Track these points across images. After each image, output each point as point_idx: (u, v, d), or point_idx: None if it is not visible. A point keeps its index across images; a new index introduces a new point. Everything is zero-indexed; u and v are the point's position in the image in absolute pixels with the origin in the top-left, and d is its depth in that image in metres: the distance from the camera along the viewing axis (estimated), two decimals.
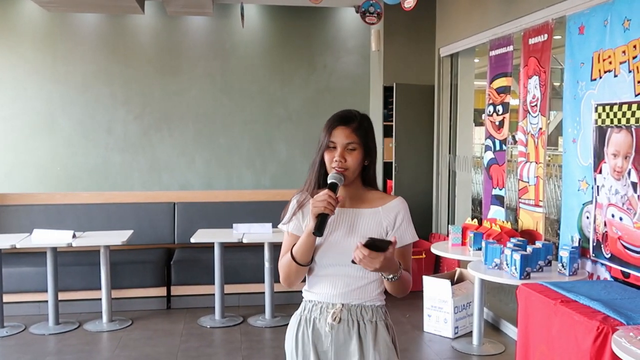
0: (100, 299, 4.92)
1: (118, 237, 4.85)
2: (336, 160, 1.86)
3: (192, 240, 4.92)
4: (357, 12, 5.74)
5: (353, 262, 1.75)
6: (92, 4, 6.59)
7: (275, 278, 5.05)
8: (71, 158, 7.51)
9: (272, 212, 5.78)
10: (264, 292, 5.02)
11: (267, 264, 4.95)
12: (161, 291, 5.35)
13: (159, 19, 7.60)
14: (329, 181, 1.86)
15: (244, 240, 4.82)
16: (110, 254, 4.90)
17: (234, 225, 5.04)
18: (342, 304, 1.91)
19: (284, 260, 1.94)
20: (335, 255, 1.89)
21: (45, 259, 4.79)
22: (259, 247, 5.12)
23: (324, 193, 1.78)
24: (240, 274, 5.37)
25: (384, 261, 1.72)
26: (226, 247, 5.08)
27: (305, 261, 1.89)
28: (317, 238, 1.84)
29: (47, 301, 4.85)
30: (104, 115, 7.56)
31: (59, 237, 4.73)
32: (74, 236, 4.77)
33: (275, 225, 5.13)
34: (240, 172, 7.87)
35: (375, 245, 1.72)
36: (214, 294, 5.02)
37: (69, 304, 5.14)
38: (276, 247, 5.06)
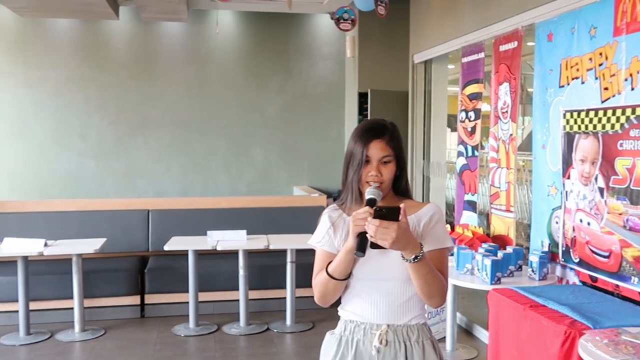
0: (73, 308, 4.85)
1: (90, 245, 4.79)
2: (372, 175, 1.79)
3: (166, 247, 4.88)
4: (331, 18, 5.76)
5: (372, 245, 1.65)
6: (65, 10, 6.53)
7: (250, 285, 5.05)
8: (44, 165, 7.43)
9: (248, 219, 5.82)
10: (238, 300, 5.00)
11: (241, 271, 4.93)
12: (135, 299, 5.30)
13: (133, 25, 7.56)
14: (367, 197, 1.75)
15: (218, 248, 4.79)
16: (83, 263, 4.84)
17: (208, 232, 5.02)
18: (388, 325, 1.83)
19: (319, 278, 1.84)
20: (372, 268, 1.80)
21: (16, 268, 4.72)
22: (233, 254, 5.09)
23: (364, 210, 1.67)
24: (214, 281, 5.34)
25: (399, 231, 1.62)
26: (201, 254, 5.05)
27: (343, 276, 1.81)
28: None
29: (17, 311, 4.77)
30: (77, 122, 7.50)
31: (30, 246, 4.65)
32: (45, 245, 4.71)
33: (250, 232, 5.12)
34: (216, 179, 7.84)
35: (385, 215, 1.63)
36: (188, 302, 4.98)
37: (40, 314, 5.06)
38: (250, 254, 5.06)
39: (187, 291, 4.98)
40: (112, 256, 5.53)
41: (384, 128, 1.84)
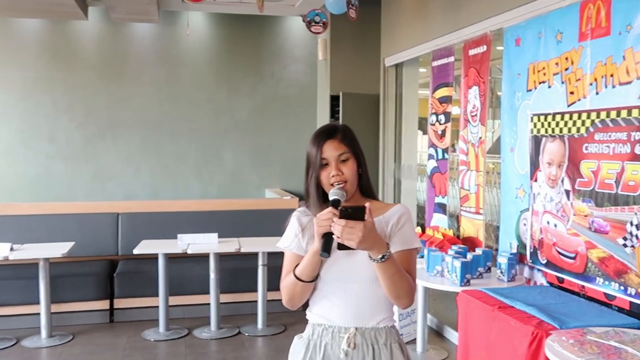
0: (39, 314, 4.76)
1: (58, 249, 4.71)
2: (333, 176, 1.81)
3: (136, 251, 4.82)
4: (303, 21, 5.77)
5: (339, 246, 1.65)
6: (33, 9, 6.42)
7: (222, 289, 5.01)
8: (10, 167, 7.28)
9: (219, 222, 5.78)
10: (209, 304, 4.96)
11: (212, 275, 4.90)
12: (104, 304, 5.22)
13: (103, 25, 7.47)
14: (331, 198, 1.77)
15: (189, 251, 4.75)
16: (50, 267, 4.75)
17: (179, 235, 4.97)
18: (356, 328, 1.83)
19: (287, 281, 1.84)
20: (340, 270, 1.81)
21: None
22: (204, 257, 5.06)
23: (328, 211, 1.68)
24: (185, 285, 5.29)
25: (365, 231, 1.61)
26: (171, 258, 5.00)
27: (310, 278, 1.81)
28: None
29: None
30: (45, 123, 7.37)
31: None
32: (11, 249, 4.61)
33: (221, 235, 5.09)
34: (186, 182, 7.78)
35: (351, 215, 1.63)
36: (158, 306, 4.93)
37: (6, 320, 4.96)
38: (222, 257, 5.03)
39: (157, 295, 4.92)
40: (80, 260, 5.44)
41: (335, 129, 1.89)
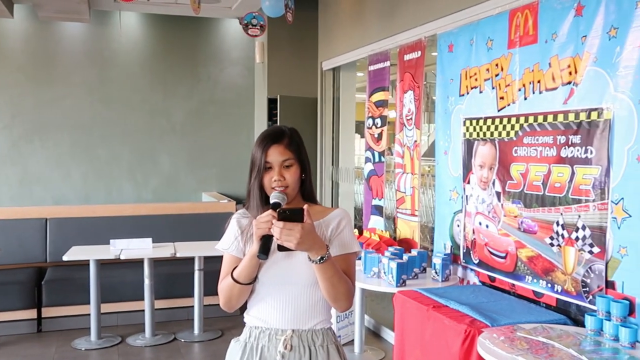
0: None
1: None
2: (275, 180, 1.81)
3: (65, 258, 4.65)
4: (240, 24, 5.73)
5: (279, 247, 1.66)
6: None
7: (157, 295, 4.90)
8: None
9: (154, 227, 5.65)
10: (143, 310, 4.84)
11: (147, 281, 4.78)
12: (31, 313, 5.00)
13: (30, 24, 7.18)
14: (271, 201, 1.78)
15: (122, 257, 4.62)
16: None
17: (111, 241, 4.83)
18: (293, 330, 1.84)
19: (225, 283, 1.83)
20: (278, 272, 1.81)
21: None
22: (138, 263, 4.93)
23: (267, 214, 1.69)
24: (118, 291, 5.14)
25: (303, 232, 1.63)
26: (103, 264, 4.85)
27: (248, 280, 1.80)
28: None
29: None
30: None
31: None
32: None
33: (156, 240, 4.98)
34: (120, 186, 7.58)
35: (289, 217, 1.66)
36: (89, 314, 4.76)
37: None
38: (157, 263, 4.92)
39: (88, 303, 4.76)
40: (5, 268, 5.21)
41: (282, 133, 1.88)
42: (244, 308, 1.92)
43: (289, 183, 1.82)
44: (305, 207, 1.68)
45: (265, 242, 1.69)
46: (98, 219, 5.72)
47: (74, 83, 7.36)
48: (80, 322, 5.01)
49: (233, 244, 1.87)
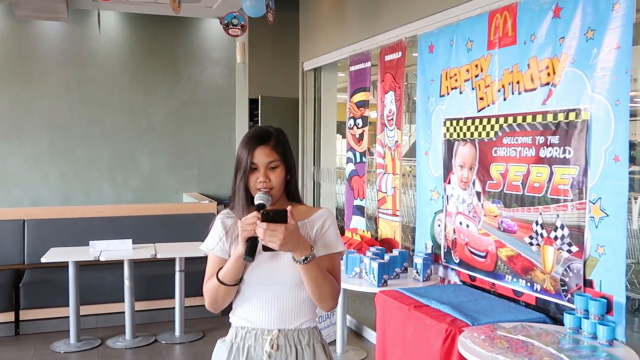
0: None
1: None
2: (261, 182, 1.80)
3: (43, 260, 4.59)
4: (220, 23, 5.70)
5: (264, 247, 1.67)
6: None
7: (137, 296, 4.86)
8: None
9: (134, 228, 5.61)
10: (124, 312, 4.79)
11: (127, 282, 4.73)
12: (8, 316, 4.93)
13: (6, 23, 7.09)
14: (256, 202, 1.77)
15: (101, 258, 4.57)
16: None
17: (91, 242, 4.77)
18: (279, 330, 1.84)
19: (210, 284, 1.83)
20: (263, 273, 1.82)
21: None
22: (118, 264, 4.88)
23: (252, 215, 1.69)
24: (98, 293, 5.09)
25: (287, 233, 1.65)
26: (83, 265, 4.80)
27: (234, 282, 1.80)
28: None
29: None
30: None
31: None
32: None
33: (136, 241, 4.94)
34: (99, 187, 7.50)
35: (273, 218, 1.66)
36: (68, 317, 4.71)
37: None
38: (137, 264, 4.88)
39: (67, 305, 4.71)
40: None
41: (268, 134, 1.86)
42: (227, 309, 1.92)
43: (274, 184, 1.82)
44: (289, 208, 1.69)
45: (252, 244, 1.69)
46: (77, 220, 5.66)
47: (52, 83, 7.28)
48: (59, 324, 4.95)
49: (218, 245, 1.87)
